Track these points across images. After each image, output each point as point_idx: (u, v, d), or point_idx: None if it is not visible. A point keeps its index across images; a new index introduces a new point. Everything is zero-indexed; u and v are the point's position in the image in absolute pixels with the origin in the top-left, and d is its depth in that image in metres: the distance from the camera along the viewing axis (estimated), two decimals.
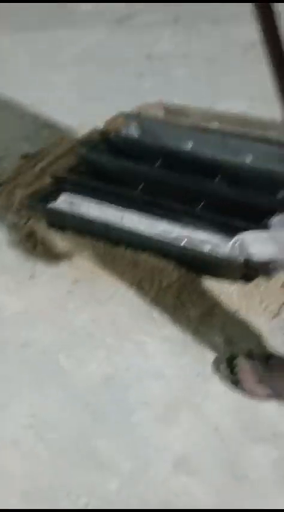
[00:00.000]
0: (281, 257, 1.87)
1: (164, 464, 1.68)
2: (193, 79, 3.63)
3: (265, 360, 1.82)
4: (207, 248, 2.15)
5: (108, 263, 2.30)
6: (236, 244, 2.01)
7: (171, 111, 2.98)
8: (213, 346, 1.98)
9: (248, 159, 2.56)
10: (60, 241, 2.42)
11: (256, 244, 1.94)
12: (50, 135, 3.26)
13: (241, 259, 2.02)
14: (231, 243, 2.05)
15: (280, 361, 1.80)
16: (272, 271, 1.98)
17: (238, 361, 1.85)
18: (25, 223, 2.55)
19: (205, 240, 2.18)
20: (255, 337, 2.00)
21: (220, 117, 2.87)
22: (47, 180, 2.69)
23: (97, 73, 3.91)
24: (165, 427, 1.77)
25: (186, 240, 2.20)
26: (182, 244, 2.19)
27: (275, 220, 2.00)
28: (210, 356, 1.95)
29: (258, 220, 2.15)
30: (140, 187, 2.52)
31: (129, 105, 3.09)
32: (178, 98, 3.35)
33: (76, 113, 3.45)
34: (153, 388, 1.88)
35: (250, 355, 1.87)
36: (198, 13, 4.27)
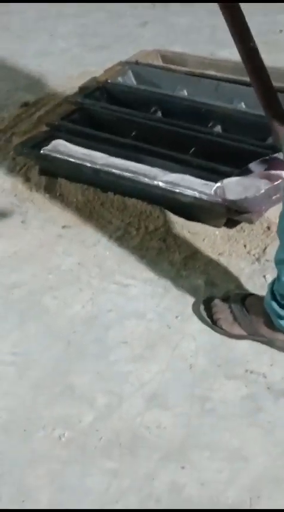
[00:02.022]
0: (252, 199, 1.88)
1: (138, 399, 1.73)
2: (195, 28, 3.60)
3: (241, 300, 1.84)
4: (193, 193, 2.16)
5: (97, 208, 2.33)
6: (218, 189, 2.02)
7: (168, 58, 2.97)
8: (194, 289, 2.01)
9: (240, 106, 2.55)
10: (52, 187, 2.45)
11: (233, 188, 1.95)
12: (51, 84, 3.28)
13: (223, 204, 2.04)
14: (214, 188, 2.06)
15: (255, 301, 1.82)
16: (251, 214, 1.99)
17: (216, 302, 1.88)
18: (20, 170, 2.59)
19: (192, 186, 2.19)
20: (235, 280, 2.02)
21: (217, 65, 2.85)
22: (44, 127, 2.72)
23: (102, 23, 3.89)
24: (141, 365, 1.82)
25: (173, 185, 2.20)
26: (169, 189, 2.20)
27: (254, 164, 2.01)
28: (191, 298, 1.98)
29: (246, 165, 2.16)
30: (133, 134, 2.53)
31: (131, 54, 3.08)
32: (180, 46, 3.34)
33: (79, 62, 3.47)
34: (133, 328, 1.92)
35: (227, 297, 1.90)
36: None
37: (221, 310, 1.85)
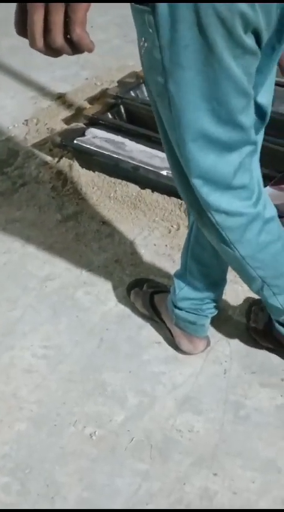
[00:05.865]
0: None
1: (170, 401, 1.71)
2: None
3: None
4: None
5: (135, 205, 2.31)
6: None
7: None
8: (233, 292, 1.98)
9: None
10: (88, 180, 2.43)
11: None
12: (89, 76, 3.26)
13: None
14: None
15: None
16: None
17: (254, 309, 1.85)
18: (56, 162, 2.57)
19: None
20: None
21: None
22: (81, 120, 2.70)
23: None
24: (174, 366, 1.80)
25: None
26: None
27: None
28: (228, 301, 1.96)
29: None
30: None
31: None
32: None
33: (118, 54, 3.43)
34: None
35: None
36: None
37: (258, 319, 1.82)
